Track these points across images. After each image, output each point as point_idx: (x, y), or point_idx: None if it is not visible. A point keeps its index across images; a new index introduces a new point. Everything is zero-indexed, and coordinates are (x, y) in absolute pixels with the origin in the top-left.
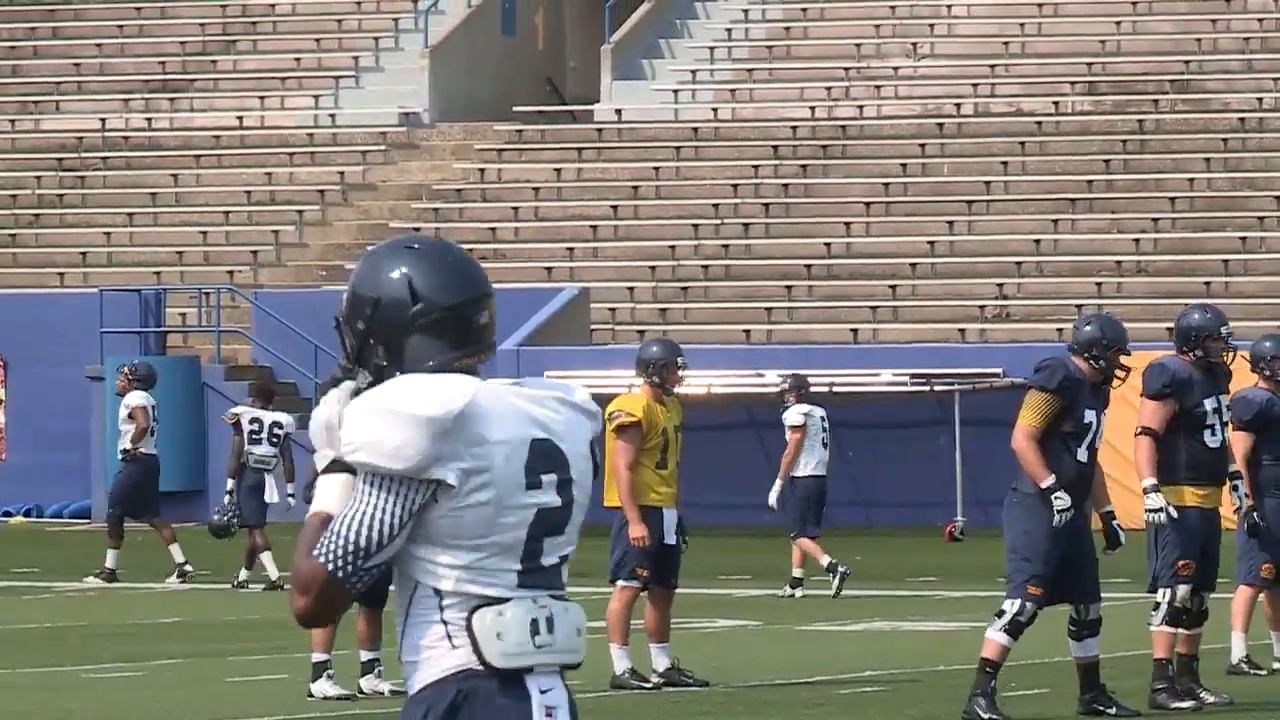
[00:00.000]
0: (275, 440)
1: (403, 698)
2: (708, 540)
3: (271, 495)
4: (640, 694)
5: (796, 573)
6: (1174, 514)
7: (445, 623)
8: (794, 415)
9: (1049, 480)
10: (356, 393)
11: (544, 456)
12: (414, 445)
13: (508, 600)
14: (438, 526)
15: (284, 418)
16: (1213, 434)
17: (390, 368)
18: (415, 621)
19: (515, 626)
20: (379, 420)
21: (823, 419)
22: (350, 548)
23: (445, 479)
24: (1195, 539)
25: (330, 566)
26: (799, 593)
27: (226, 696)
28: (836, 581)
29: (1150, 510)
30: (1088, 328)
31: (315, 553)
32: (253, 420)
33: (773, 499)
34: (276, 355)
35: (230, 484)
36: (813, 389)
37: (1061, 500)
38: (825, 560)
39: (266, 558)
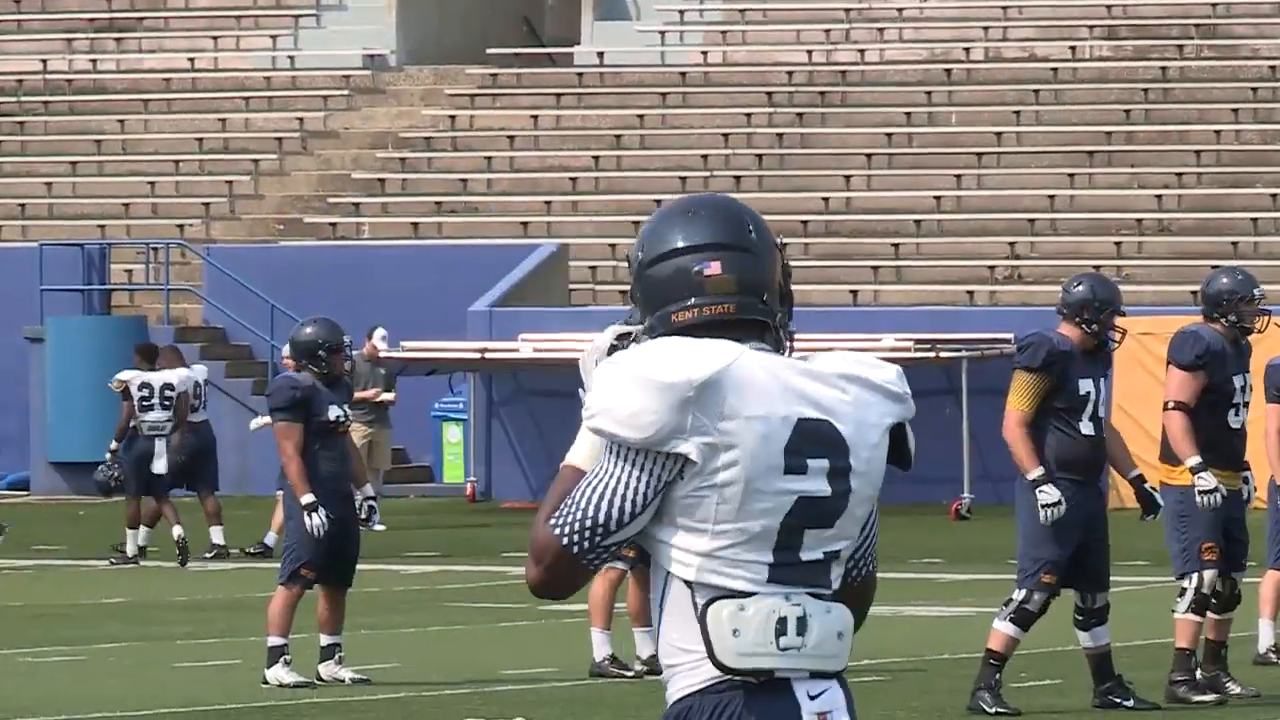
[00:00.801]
0: (168, 404)
1: (364, 687)
2: None
3: (159, 465)
4: (622, 682)
5: None
6: (1225, 493)
7: (698, 619)
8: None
9: (1036, 472)
10: (617, 342)
11: (813, 437)
12: (652, 414)
13: (753, 595)
14: (681, 507)
15: (176, 376)
16: (1236, 414)
17: (643, 319)
18: (671, 619)
19: (757, 624)
20: (619, 385)
21: None
22: (588, 523)
23: (687, 454)
24: (1217, 520)
25: (564, 541)
26: None
27: (173, 684)
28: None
29: (1204, 492)
30: (1078, 289)
31: (552, 521)
32: (142, 385)
33: None
34: (230, 315)
35: (115, 445)
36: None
37: (1047, 495)
38: None
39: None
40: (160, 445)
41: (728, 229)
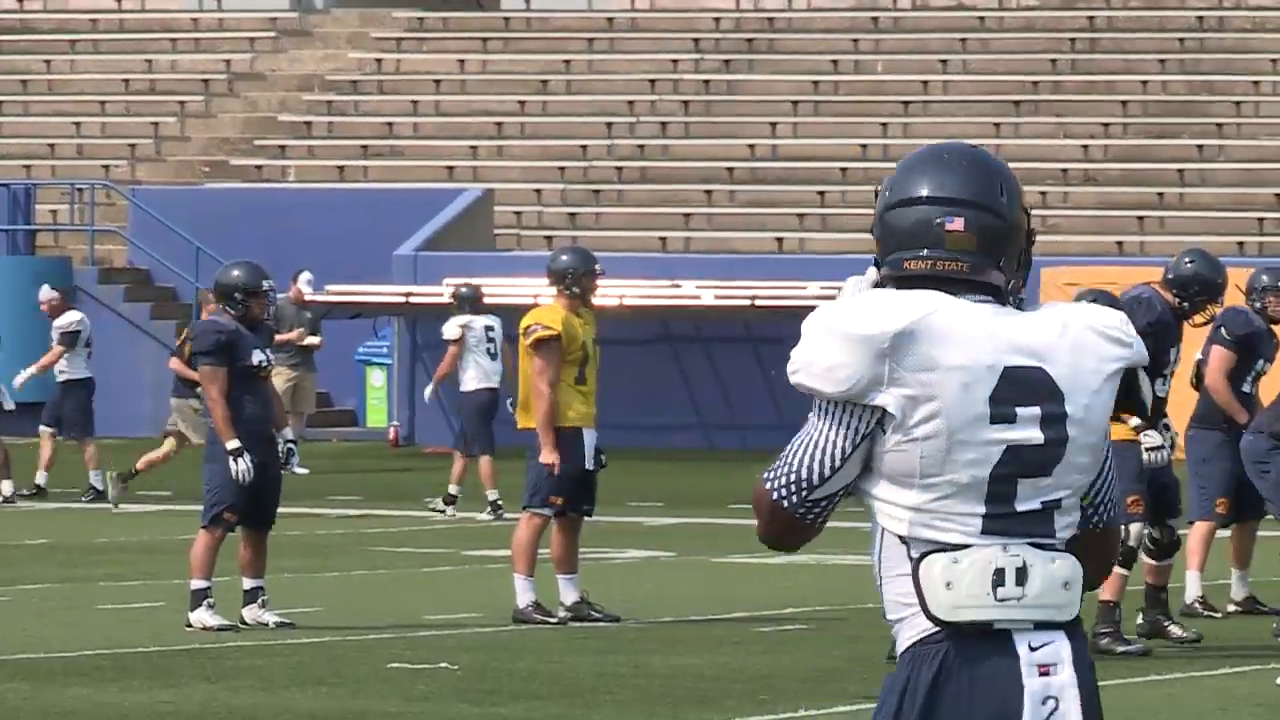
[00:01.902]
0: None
1: (288, 630)
2: (618, 464)
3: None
4: (545, 629)
5: (491, 494)
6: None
7: (912, 575)
8: (450, 328)
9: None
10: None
11: (1022, 385)
12: (848, 367)
13: (967, 547)
14: (888, 462)
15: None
16: (1164, 383)
17: (881, 260)
18: (889, 575)
19: (971, 576)
20: (818, 339)
21: (489, 330)
22: (794, 478)
23: (886, 407)
24: (1143, 473)
25: (774, 496)
26: (450, 510)
27: (96, 625)
28: (489, 513)
29: (1151, 449)
30: (1187, 264)
31: (765, 475)
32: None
33: (427, 395)
34: (155, 257)
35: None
36: (718, 300)
37: (1150, 439)
38: (491, 494)
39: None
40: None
41: (979, 187)
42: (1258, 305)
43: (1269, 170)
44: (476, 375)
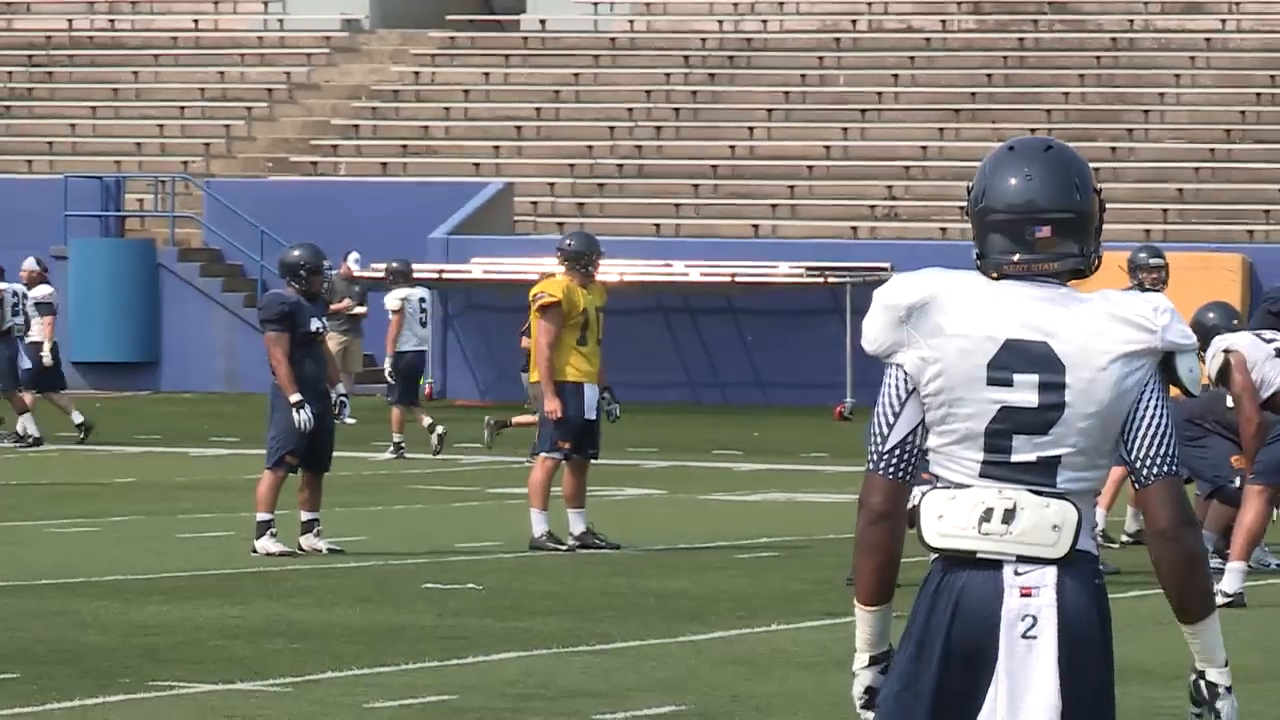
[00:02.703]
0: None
1: (338, 555)
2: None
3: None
4: (557, 555)
5: (396, 438)
6: None
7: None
8: (392, 300)
9: None
10: None
11: (1023, 355)
12: (876, 328)
13: (967, 487)
14: (925, 413)
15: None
16: None
17: (976, 249)
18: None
19: (961, 510)
20: (871, 307)
21: (421, 301)
22: (872, 435)
23: (904, 364)
24: None
25: (867, 466)
26: (388, 454)
27: (175, 552)
28: (436, 441)
29: None
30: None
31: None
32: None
33: (386, 370)
34: (226, 239)
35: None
36: (703, 278)
37: None
38: (396, 437)
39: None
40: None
41: (1062, 194)
42: (1135, 282)
43: (1173, 169)
44: (409, 339)
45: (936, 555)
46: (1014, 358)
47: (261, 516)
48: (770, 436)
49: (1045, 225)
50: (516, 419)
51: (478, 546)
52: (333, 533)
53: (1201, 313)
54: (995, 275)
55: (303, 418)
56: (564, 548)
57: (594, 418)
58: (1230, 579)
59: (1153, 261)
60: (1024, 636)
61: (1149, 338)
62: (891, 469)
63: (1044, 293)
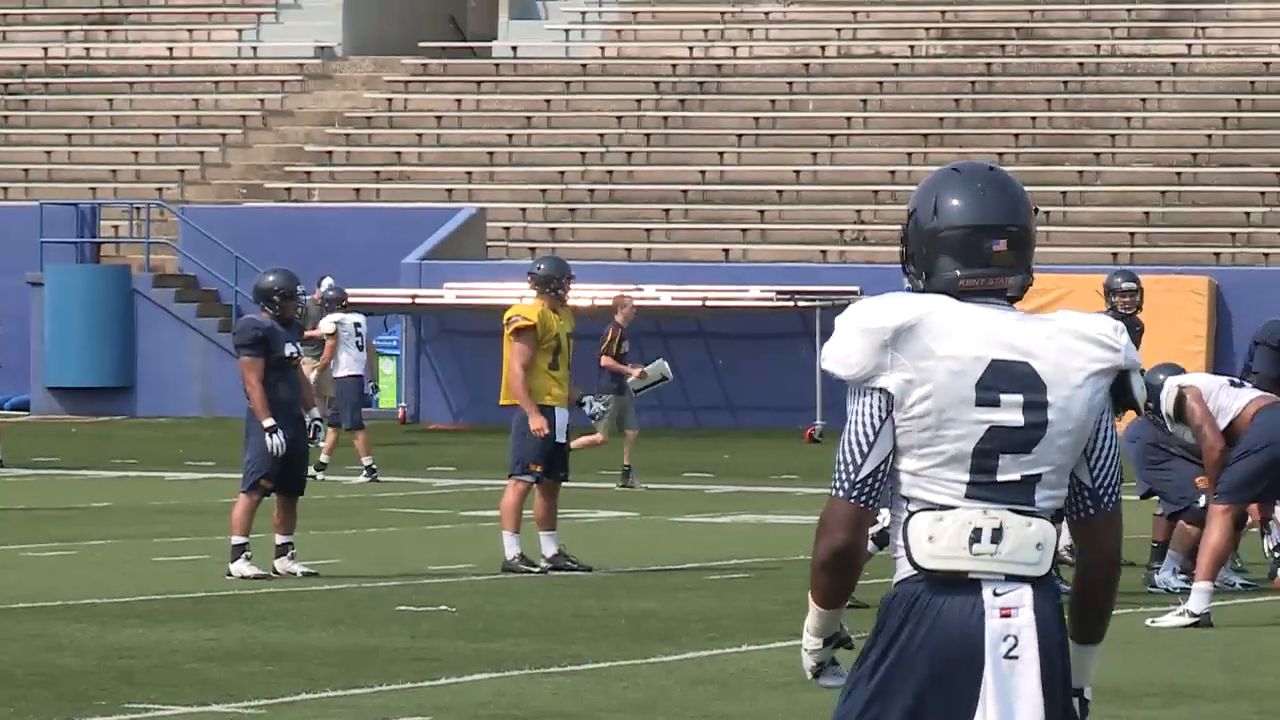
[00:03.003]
0: None
1: (313, 578)
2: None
3: None
4: (529, 577)
5: (366, 460)
6: None
7: (905, 526)
8: (326, 324)
9: None
10: None
11: (1008, 375)
12: (857, 354)
13: (954, 508)
14: (897, 436)
15: None
16: None
17: (917, 276)
18: (894, 524)
19: (951, 532)
20: (840, 331)
21: (356, 325)
22: (842, 465)
23: (887, 388)
24: None
25: (832, 493)
26: (320, 475)
27: (150, 575)
28: (365, 477)
29: None
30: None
31: (830, 490)
32: None
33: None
34: (201, 265)
35: None
36: (674, 302)
37: None
38: (366, 460)
39: None
40: None
41: (1011, 210)
42: (1109, 307)
43: (1139, 192)
44: (347, 363)
45: (908, 578)
46: (999, 378)
47: (236, 540)
48: (741, 459)
49: (1002, 239)
50: (575, 442)
51: (451, 569)
52: (306, 556)
53: (1152, 374)
54: (942, 289)
55: (275, 442)
56: (536, 570)
57: (564, 441)
58: (1197, 599)
59: (1125, 285)
60: (1007, 657)
61: (1114, 356)
62: (863, 497)
63: (1014, 315)
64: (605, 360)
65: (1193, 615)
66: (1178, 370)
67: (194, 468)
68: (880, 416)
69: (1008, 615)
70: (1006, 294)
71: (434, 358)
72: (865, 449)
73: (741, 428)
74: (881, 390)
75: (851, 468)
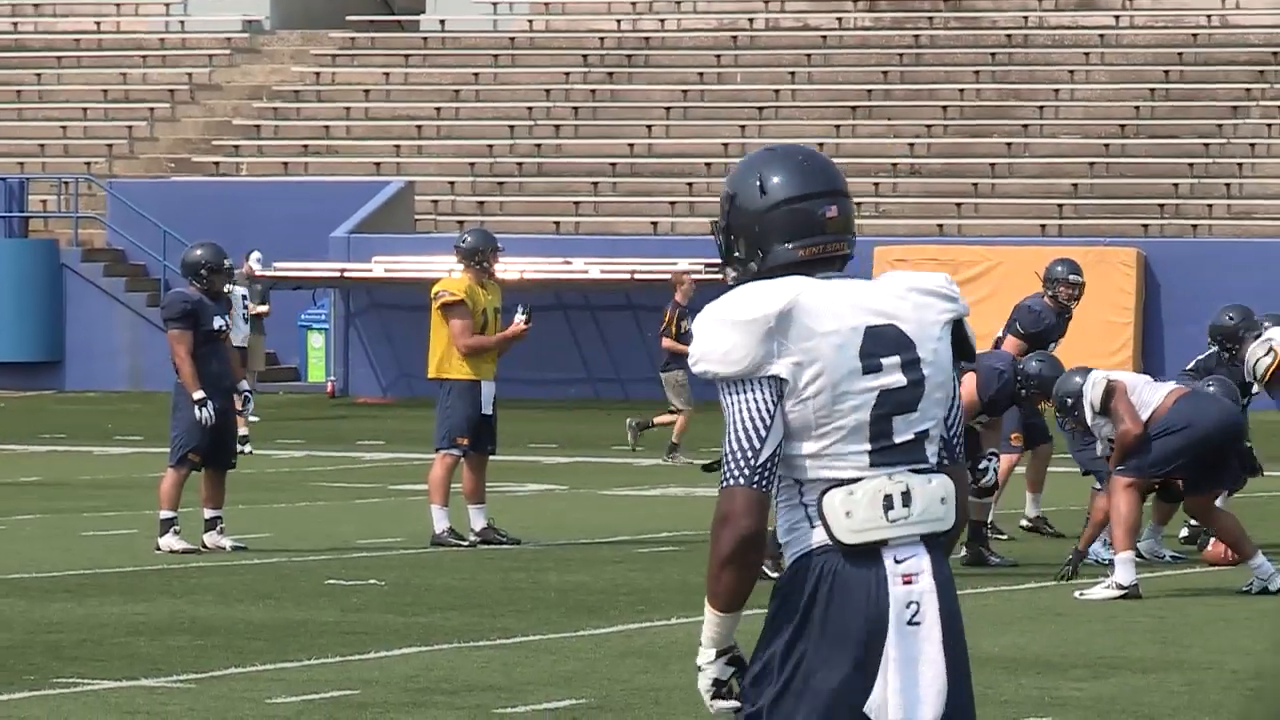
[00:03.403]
0: None
1: (242, 552)
2: (519, 411)
3: None
4: (458, 551)
5: (244, 431)
6: None
7: (805, 506)
8: None
9: None
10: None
11: (881, 340)
12: (742, 348)
13: (860, 480)
14: (788, 422)
15: None
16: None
17: (748, 260)
18: (782, 509)
19: (865, 504)
20: (713, 331)
21: (244, 298)
22: (737, 454)
23: (779, 374)
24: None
25: (726, 483)
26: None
27: (79, 549)
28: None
29: None
30: (1034, 364)
31: (721, 485)
32: None
33: None
34: (129, 239)
35: None
36: (603, 275)
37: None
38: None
39: None
40: None
41: (834, 178)
42: (1050, 294)
43: (1067, 164)
44: (234, 335)
45: (810, 550)
46: (876, 344)
47: (165, 514)
48: (668, 432)
49: (832, 204)
50: (658, 419)
51: (380, 543)
52: (235, 530)
53: (1067, 378)
54: (781, 265)
55: (205, 414)
56: (465, 543)
57: (490, 413)
58: (1121, 571)
59: (1073, 278)
60: (910, 623)
61: (957, 305)
62: (763, 482)
63: (864, 283)
64: (666, 341)
65: (1120, 587)
66: (1085, 370)
67: (123, 442)
68: (772, 402)
69: (909, 582)
70: (838, 265)
71: (363, 331)
72: (762, 434)
73: (667, 401)
74: (772, 378)
75: (750, 453)
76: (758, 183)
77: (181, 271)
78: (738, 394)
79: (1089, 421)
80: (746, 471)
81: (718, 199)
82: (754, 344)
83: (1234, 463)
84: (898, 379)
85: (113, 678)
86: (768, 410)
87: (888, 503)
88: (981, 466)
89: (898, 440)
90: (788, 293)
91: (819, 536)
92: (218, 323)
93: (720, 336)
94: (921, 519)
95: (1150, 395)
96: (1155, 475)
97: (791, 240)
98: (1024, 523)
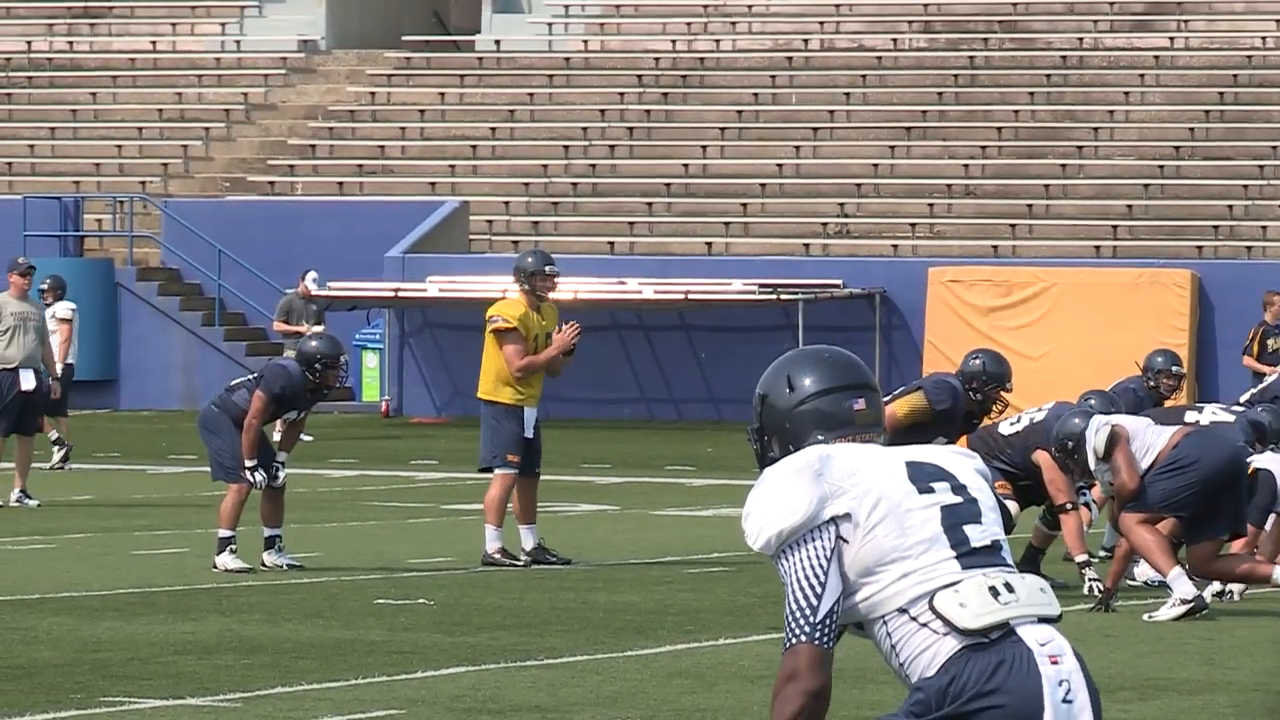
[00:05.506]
0: None
1: (299, 572)
2: (572, 431)
3: None
4: (507, 571)
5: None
6: None
7: (921, 623)
8: (63, 309)
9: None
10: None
11: (923, 470)
12: (798, 497)
13: (959, 581)
14: (862, 560)
15: None
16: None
17: (782, 458)
18: (902, 645)
19: (974, 594)
20: (766, 500)
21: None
22: (796, 614)
23: (840, 511)
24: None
25: (789, 644)
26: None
27: (128, 568)
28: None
29: None
30: (974, 361)
31: (784, 647)
32: None
33: (54, 380)
34: (184, 258)
35: None
36: (657, 295)
37: None
38: (54, 434)
39: None
40: None
41: (861, 373)
42: (1152, 384)
43: (1122, 185)
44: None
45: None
46: (920, 474)
47: (223, 533)
48: (723, 452)
49: (860, 398)
50: None
51: (430, 562)
52: (295, 548)
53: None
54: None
55: (258, 478)
56: (519, 563)
57: (532, 436)
58: (1180, 586)
59: (1174, 369)
60: (1064, 701)
61: (982, 467)
62: (825, 637)
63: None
64: (1246, 360)
65: (1184, 602)
66: (1088, 413)
67: (177, 461)
68: (826, 556)
69: (1056, 662)
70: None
71: (417, 351)
72: (819, 590)
73: (724, 420)
74: (830, 521)
75: (808, 611)
76: (787, 381)
77: (296, 358)
78: (794, 553)
79: (1091, 466)
80: (807, 629)
81: (772, 219)
82: (808, 488)
83: (1235, 504)
84: (951, 498)
85: (160, 696)
86: (822, 564)
87: (993, 592)
88: (1082, 501)
89: (975, 545)
90: (820, 448)
91: (949, 645)
92: (292, 416)
93: (773, 505)
94: (1030, 603)
95: (1154, 437)
96: (1160, 510)
97: (822, 432)
98: (1103, 551)
